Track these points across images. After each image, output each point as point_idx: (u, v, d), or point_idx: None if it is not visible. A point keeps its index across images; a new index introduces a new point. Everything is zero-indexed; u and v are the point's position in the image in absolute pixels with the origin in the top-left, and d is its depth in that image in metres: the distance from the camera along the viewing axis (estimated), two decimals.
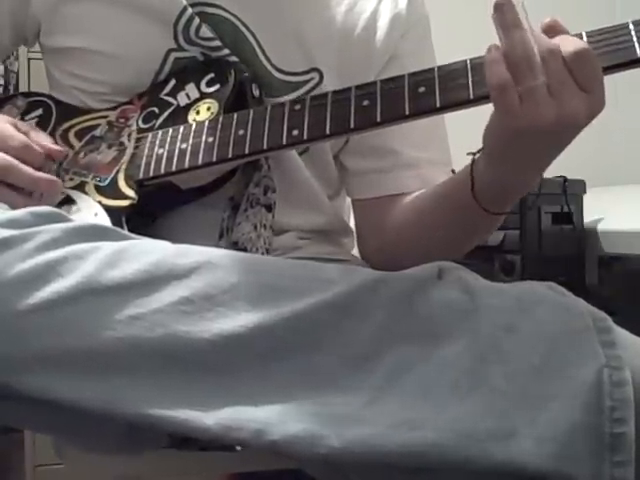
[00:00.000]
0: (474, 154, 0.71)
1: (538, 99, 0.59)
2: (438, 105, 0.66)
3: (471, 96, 0.64)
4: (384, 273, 0.55)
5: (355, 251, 1.01)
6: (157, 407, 0.50)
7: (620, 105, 2.03)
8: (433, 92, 0.66)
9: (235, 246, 0.77)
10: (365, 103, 0.69)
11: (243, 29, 0.83)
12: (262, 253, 0.78)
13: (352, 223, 1.02)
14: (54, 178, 0.76)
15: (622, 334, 0.53)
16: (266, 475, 0.62)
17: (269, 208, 0.80)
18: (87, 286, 0.52)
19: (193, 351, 0.51)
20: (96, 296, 0.52)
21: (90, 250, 0.55)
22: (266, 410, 0.50)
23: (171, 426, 0.51)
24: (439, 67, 0.67)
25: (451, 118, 0.77)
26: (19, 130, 0.77)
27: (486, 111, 0.62)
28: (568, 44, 0.60)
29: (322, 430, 0.49)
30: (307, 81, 0.84)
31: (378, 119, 0.68)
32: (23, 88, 1.50)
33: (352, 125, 0.69)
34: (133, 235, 0.60)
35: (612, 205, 1.68)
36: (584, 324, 0.52)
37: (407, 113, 0.67)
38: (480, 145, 0.68)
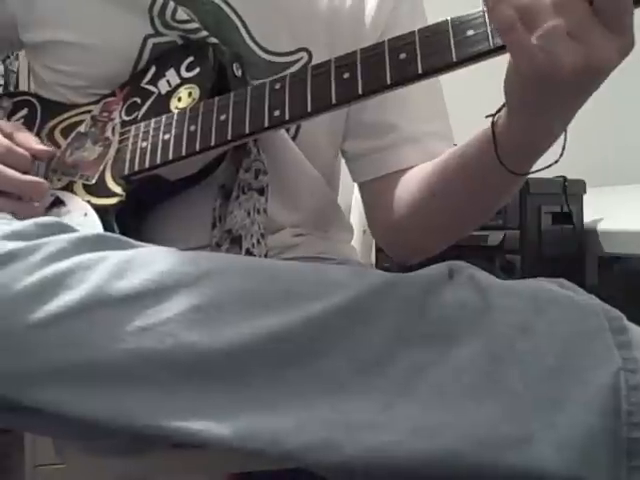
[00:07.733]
0: (493, 115, 0.65)
1: (555, 46, 0.50)
2: (420, 71, 0.62)
3: (454, 59, 0.61)
4: (393, 275, 0.53)
5: (353, 242, 0.98)
6: (170, 419, 0.50)
7: (621, 106, 2.00)
8: (415, 58, 0.63)
9: (229, 234, 0.75)
10: (346, 76, 0.66)
11: (227, 9, 0.80)
12: (257, 239, 0.76)
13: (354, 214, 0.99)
14: (39, 180, 0.74)
15: (638, 333, 0.51)
16: (266, 475, 0.61)
17: (261, 192, 0.77)
18: (96, 298, 0.51)
19: (204, 360, 0.50)
20: (105, 308, 0.51)
21: (97, 260, 0.54)
22: (280, 418, 0.49)
23: (185, 437, 0.50)
24: (419, 30, 0.64)
25: None
26: (3, 133, 0.76)
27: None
28: None
29: (337, 438, 0.48)
30: (296, 61, 0.81)
31: (360, 91, 0.65)
32: (23, 88, 1.48)
33: (334, 100, 0.66)
34: (138, 243, 0.59)
35: (612, 205, 1.67)
36: (599, 324, 0.50)
37: (389, 82, 0.64)
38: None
